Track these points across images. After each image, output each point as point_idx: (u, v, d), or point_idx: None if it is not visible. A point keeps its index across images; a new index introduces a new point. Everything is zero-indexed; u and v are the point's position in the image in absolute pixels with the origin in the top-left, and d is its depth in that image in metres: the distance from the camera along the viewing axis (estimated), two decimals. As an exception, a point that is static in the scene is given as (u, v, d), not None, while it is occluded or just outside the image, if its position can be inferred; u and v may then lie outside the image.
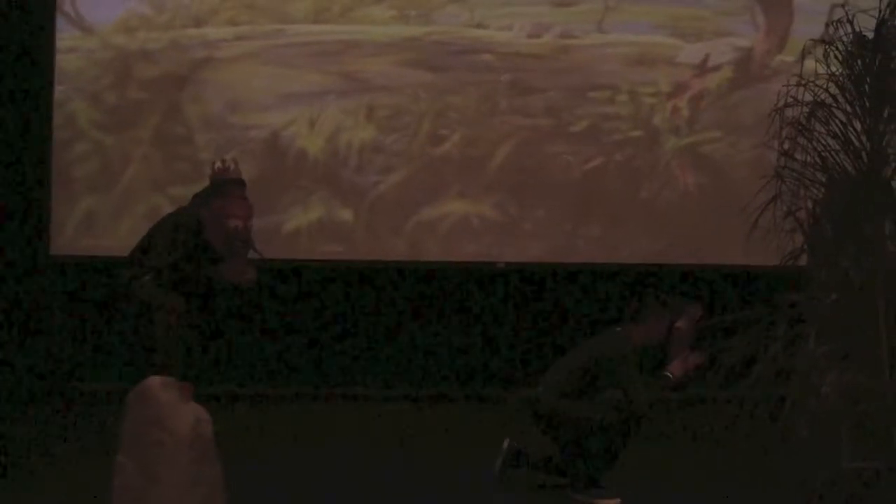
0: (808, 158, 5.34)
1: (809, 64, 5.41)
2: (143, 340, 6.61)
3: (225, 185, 6.49)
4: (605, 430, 6.22)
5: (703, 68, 8.90)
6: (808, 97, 5.33)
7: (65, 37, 8.69)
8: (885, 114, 5.29)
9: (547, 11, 8.87)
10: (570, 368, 6.34)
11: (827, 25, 5.41)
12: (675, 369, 6.32)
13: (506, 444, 6.41)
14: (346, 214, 8.80)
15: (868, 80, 5.31)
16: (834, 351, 5.11)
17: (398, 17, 8.85)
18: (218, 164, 6.67)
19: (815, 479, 4.95)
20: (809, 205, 5.33)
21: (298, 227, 8.77)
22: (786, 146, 5.33)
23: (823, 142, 5.33)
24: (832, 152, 5.33)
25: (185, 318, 6.68)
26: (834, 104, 5.32)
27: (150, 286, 6.66)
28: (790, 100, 5.32)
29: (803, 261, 5.34)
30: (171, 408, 5.06)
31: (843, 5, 5.37)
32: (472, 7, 8.84)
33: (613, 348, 6.30)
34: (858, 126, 5.32)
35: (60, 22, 8.66)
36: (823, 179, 5.34)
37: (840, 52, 5.33)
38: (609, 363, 6.26)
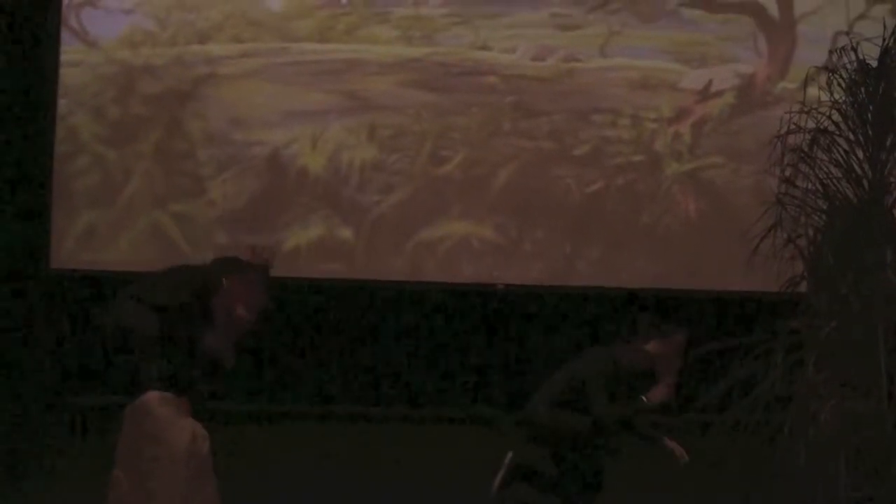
0: (810, 185, 5.35)
1: (812, 91, 5.42)
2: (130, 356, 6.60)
3: (256, 270, 6.29)
4: (582, 447, 6.20)
5: (705, 94, 8.91)
6: (811, 124, 5.34)
7: (68, 50, 8.70)
8: (888, 142, 5.30)
9: (551, 34, 8.89)
10: (558, 383, 6.36)
11: (830, 53, 5.43)
12: (652, 395, 6.29)
13: (508, 457, 6.37)
14: (346, 233, 8.79)
15: (871, 108, 5.32)
16: (833, 378, 5.11)
17: (402, 37, 8.87)
18: (258, 250, 6.55)
19: (812, 507, 4.94)
20: (810, 232, 5.33)
21: (298, 244, 8.76)
22: (787, 173, 5.34)
23: (825, 169, 5.34)
24: (834, 180, 5.34)
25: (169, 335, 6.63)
26: (836, 132, 5.33)
27: (130, 309, 6.59)
28: (793, 126, 5.33)
29: (803, 287, 5.34)
30: (168, 423, 5.06)
31: (847, 33, 5.39)
32: (476, 29, 8.85)
33: (594, 364, 6.30)
34: (861, 154, 5.33)
35: (65, 36, 8.68)
36: (825, 207, 5.34)
37: (843, 79, 5.34)
38: (585, 378, 6.26)
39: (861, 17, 8.60)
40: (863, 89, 5.33)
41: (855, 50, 5.34)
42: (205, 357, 6.08)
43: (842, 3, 8.70)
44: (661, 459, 7.31)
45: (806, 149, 5.32)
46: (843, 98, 5.35)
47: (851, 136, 5.33)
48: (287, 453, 7.50)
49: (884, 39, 5.31)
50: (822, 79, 5.40)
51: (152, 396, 5.14)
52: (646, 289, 8.74)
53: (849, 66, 5.36)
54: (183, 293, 6.20)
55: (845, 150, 5.33)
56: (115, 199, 8.69)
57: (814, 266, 5.29)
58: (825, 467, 4.95)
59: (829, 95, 5.36)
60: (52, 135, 8.65)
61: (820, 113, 5.34)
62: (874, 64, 5.34)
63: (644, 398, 6.26)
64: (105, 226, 8.67)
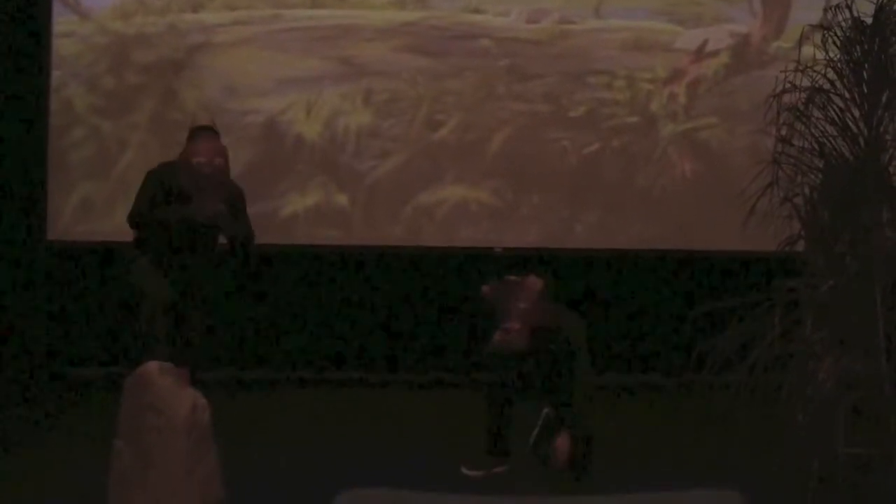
0: (806, 144, 5.35)
1: (807, 50, 5.41)
2: (133, 325, 6.72)
3: (193, 131, 6.80)
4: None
5: (700, 54, 8.88)
6: (806, 83, 5.33)
7: (61, 21, 8.66)
8: (884, 99, 5.29)
9: (545, -4, 8.86)
10: None
11: (825, 11, 5.41)
12: (492, 341, 6.42)
13: (544, 412, 6.40)
14: (343, 199, 8.79)
15: (866, 65, 5.31)
16: (830, 337, 5.13)
17: (395, 1, 8.83)
18: (192, 118, 7.02)
19: (811, 465, 4.96)
20: (806, 191, 5.34)
21: (295, 212, 8.76)
22: (783, 132, 5.34)
23: (821, 128, 5.34)
24: (830, 138, 5.34)
25: (176, 304, 6.78)
26: (832, 90, 5.33)
27: (144, 270, 6.77)
28: (788, 85, 5.32)
29: (800, 247, 5.35)
30: (168, 394, 5.07)
31: (841, -9, 5.37)
32: (469, -8, 8.82)
33: None
34: (856, 112, 5.33)
35: (57, 6, 8.63)
36: (821, 165, 5.35)
37: (838, 37, 5.33)
38: None
39: (856, -27, 8.55)
40: (858, 47, 5.32)
41: (850, 7, 5.33)
42: (205, 225, 6.40)
43: (836, -40, 8.66)
44: (663, 419, 7.36)
45: (801, 107, 5.31)
46: (839, 56, 5.34)
47: (847, 94, 5.33)
48: (286, 420, 7.53)
49: (878, -4, 5.29)
50: (817, 37, 5.39)
51: (152, 367, 5.14)
52: (643, 250, 8.76)
53: (843, 23, 5.34)
54: (150, 192, 6.62)
55: (841, 109, 5.33)
56: (111, 170, 8.68)
57: (810, 225, 5.30)
58: (823, 425, 4.97)
59: (824, 54, 5.35)
60: (47, 107, 8.62)
61: (815, 71, 5.33)
62: (869, 21, 5.33)
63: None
64: (101, 197, 8.66)
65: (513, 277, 6.46)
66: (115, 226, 8.17)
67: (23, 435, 7.00)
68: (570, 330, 6.38)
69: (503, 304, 6.39)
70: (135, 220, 6.91)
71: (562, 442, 6.16)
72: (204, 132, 6.97)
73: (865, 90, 5.31)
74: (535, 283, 6.42)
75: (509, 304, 6.36)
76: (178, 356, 5.84)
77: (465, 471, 6.30)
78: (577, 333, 6.38)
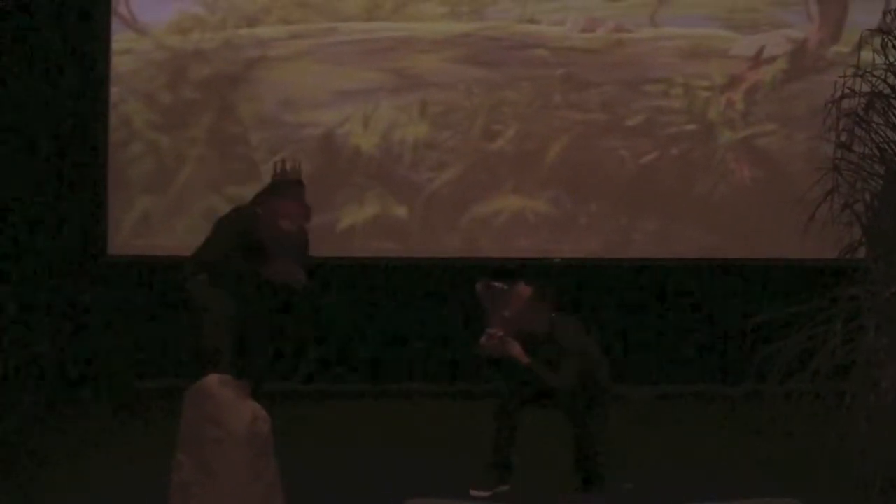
0: (866, 150, 5.29)
1: (866, 54, 5.35)
2: (194, 339, 6.75)
3: (282, 185, 6.66)
4: None
5: (757, 60, 8.81)
6: (866, 88, 5.27)
7: (119, 38, 8.76)
8: (945, 104, 5.22)
9: (599, 5, 8.83)
10: None
11: (884, 14, 5.35)
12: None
13: None
14: (400, 211, 8.81)
15: (928, 69, 5.24)
16: (893, 345, 5.05)
17: (450, 13, 8.85)
18: (279, 165, 6.83)
19: (873, 474, 4.90)
20: (867, 197, 5.28)
21: (353, 224, 8.80)
22: (843, 138, 5.28)
23: (882, 133, 5.27)
24: (891, 144, 5.27)
25: (237, 318, 6.81)
26: (892, 95, 5.26)
27: (203, 286, 6.80)
28: (847, 91, 5.26)
29: (861, 254, 5.28)
30: (228, 406, 5.09)
31: (900, -7, 5.31)
32: (524, 2, 8.81)
33: None
34: (918, 117, 5.26)
35: (115, 24, 8.74)
36: (882, 171, 5.28)
37: (898, 41, 5.27)
38: None
39: (915, -24, 8.45)
40: (919, 51, 5.25)
41: (909, 10, 5.26)
42: (276, 285, 6.36)
43: (895, -38, 8.57)
44: (725, 428, 7.29)
45: (861, 113, 5.25)
46: (899, 60, 5.27)
47: (908, 99, 5.26)
48: (346, 432, 7.55)
49: (939, -2, 5.23)
50: (877, 41, 5.33)
51: (212, 379, 5.17)
52: (702, 259, 8.69)
53: (903, 27, 5.28)
54: (230, 240, 6.49)
55: (902, 114, 5.26)
56: (170, 184, 8.76)
57: (872, 231, 5.24)
58: (887, 434, 4.91)
59: (883, 58, 5.29)
60: (106, 123, 8.72)
61: (875, 76, 5.27)
62: (930, 24, 5.26)
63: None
64: (161, 212, 8.74)
65: (498, 284, 6.47)
66: (175, 240, 8.26)
67: (84, 447, 7.07)
68: (562, 337, 6.39)
69: (489, 310, 6.45)
70: (209, 268, 6.70)
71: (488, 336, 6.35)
72: (293, 188, 6.73)
73: (927, 94, 5.24)
74: (523, 290, 6.43)
75: (494, 311, 6.42)
76: (238, 368, 5.87)
77: (473, 492, 6.25)
78: (571, 340, 6.39)
